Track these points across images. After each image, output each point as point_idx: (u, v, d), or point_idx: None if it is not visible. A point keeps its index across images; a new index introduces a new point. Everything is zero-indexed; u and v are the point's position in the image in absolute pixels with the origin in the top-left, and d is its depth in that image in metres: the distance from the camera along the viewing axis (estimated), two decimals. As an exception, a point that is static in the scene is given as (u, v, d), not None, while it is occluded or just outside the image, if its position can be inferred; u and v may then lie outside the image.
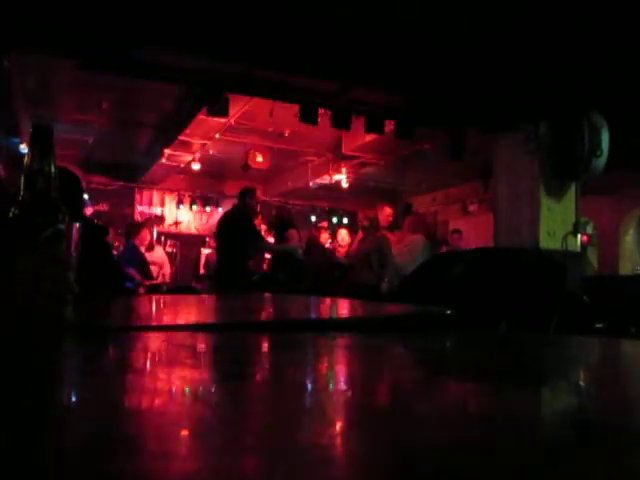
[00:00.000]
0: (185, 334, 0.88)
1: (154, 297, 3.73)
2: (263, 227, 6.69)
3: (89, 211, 8.10)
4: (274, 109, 6.60)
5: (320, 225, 10.26)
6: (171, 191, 11.37)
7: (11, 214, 0.84)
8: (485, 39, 4.26)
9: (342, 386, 0.56)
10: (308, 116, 5.33)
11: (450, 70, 4.65)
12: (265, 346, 0.85)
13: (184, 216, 11.44)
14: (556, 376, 0.66)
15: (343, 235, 8.40)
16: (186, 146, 8.52)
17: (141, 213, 10.94)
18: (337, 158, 9.00)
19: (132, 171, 10.58)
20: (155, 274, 6.87)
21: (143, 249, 6.73)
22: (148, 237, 7.05)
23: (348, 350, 0.82)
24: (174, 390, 0.49)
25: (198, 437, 0.35)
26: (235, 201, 5.64)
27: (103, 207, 10.21)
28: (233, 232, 5.11)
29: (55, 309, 0.81)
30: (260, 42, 4.26)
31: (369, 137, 7.11)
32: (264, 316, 1.43)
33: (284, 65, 4.58)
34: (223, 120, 6.72)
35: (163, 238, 10.36)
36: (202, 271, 9.66)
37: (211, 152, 8.90)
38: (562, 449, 0.33)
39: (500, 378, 0.61)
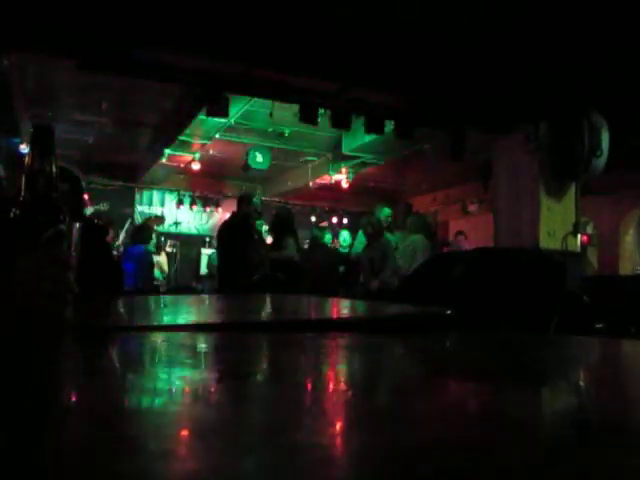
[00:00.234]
0: (185, 334, 0.88)
1: (154, 297, 3.73)
2: (265, 227, 6.66)
3: (89, 211, 8.10)
4: (274, 109, 6.61)
5: (321, 225, 10.26)
6: (171, 191, 11.37)
7: (12, 214, 0.84)
8: (485, 39, 4.26)
9: (342, 386, 0.56)
10: (308, 116, 5.33)
11: (450, 70, 4.65)
12: (265, 346, 0.85)
13: (184, 216, 11.44)
14: (556, 376, 0.66)
15: (345, 236, 8.41)
16: (186, 146, 8.52)
17: (141, 213, 10.94)
18: (337, 158, 9.01)
19: (132, 171, 10.58)
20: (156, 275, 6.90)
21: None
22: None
23: (348, 350, 0.82)
24: (174, 390, 0.49)
25: (198, 437, 0.35)
26: (235, 201, 5.64)
27: (103, 207, 10.21)
28: (233, 240, 5.14)
29: (55, 309, 0.81)
30: (260, 42, 4.26)
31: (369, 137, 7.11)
32: (264, 316, 1.43)
33: (284, 65, 4.58)
34: (223, 120, 6.72)
35: (163, 238, 10.37)
36: (205, 270, 9.66)
37: (211, 152, 8.90)
38: (562, 449, 0.33)
39: (500, 378, 0.61)
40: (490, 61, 4.52)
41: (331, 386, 0.56)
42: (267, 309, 1.64)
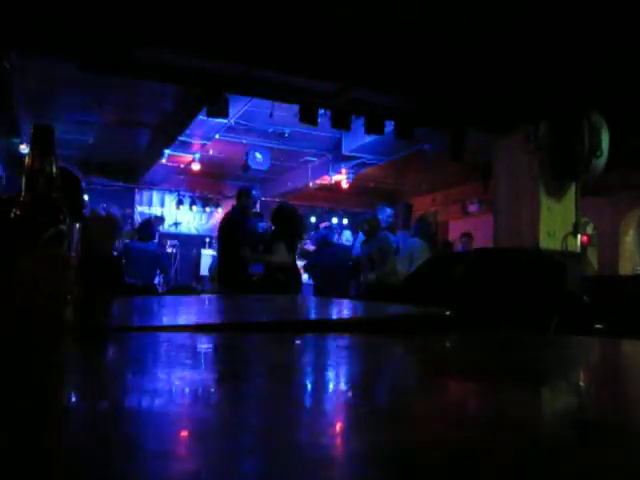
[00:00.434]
0: (185, 334, 0.88)
1: (154, 298, 3.73)
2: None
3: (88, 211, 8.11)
4: (274, 109, 6.61)
5: (324, 225, 10.26)
6: (171, 191, 11.37)
7: (12, 214, 0.84)
8: (485, 39, 4.26)
9: (342, 386, 0.56)
10: (308, 116, 5.33)
11: (450, 70, 4.65)
12: (265, 347, 0.85)
13: (184, 216, 11.44)
14: (556, 376, 0.66)
15: (347, 235, 8.42)
16: (186, 146, 8.52)
17: (141, 214, 10.94)
18: (337, 158, 9.01)
19: (132, 171, 10.58)
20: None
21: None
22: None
23: (348, 350, 0.82)
24: (174, 390, 0.49)
25: (198, 437, 0.35)
26: (234, 202, 5.64)
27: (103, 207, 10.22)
28: (231, 235, 5.12)
29: (55, 309, 0.81)
30: (260, 42, 4.26)
31: (369, 137, 7.11)
32: (264, 316, 1.43)
33: (284, 65, 4.58)
34: (223, 120, 6.73)
35: (163, 238, 10.37)
36: (207, 272, 9.64)
37: (211, 152, 8.90)
38: (562, 449, 0.33)
39: (500, 378, 0.61)
40: (490, 61, 4.52)
41: (331, 386, 0.56)
42: (267, 309, 1.64)
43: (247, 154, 8.58)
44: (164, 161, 8.99)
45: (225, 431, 0.36)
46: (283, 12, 4.00)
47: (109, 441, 0.32)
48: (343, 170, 9.36)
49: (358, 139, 7.60)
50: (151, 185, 11.08)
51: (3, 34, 3.91)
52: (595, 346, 1.05)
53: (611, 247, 9.43)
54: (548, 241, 5.37)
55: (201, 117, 6.63)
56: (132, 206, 11.06)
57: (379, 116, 5.55)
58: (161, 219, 10.64)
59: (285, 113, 6.69)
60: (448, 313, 1.14)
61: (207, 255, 10.28)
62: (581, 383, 0.65)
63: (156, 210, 11.19)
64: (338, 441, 0.35)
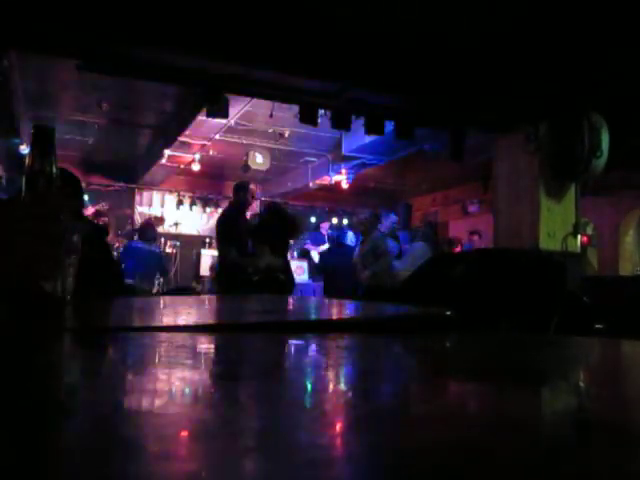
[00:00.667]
0: (184, 335, 0.88)
1: (154, 298, 3.73)
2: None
3: (89, 212, 8.11)
4: (274, 110, 6.61)
5: (324, 225, 10.25)
6: (171, 192, 11.38)
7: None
8: (485, 39, 4.26)
9: (341, 387, 0.56)
10: (308, 117, 5.33)
11: (450, 70, 4.65)
12: (264, 347, 0.85)
13: (184, 217, 11.44)
14: (556, 376, 0.66)
15: (351, 236, 8.45)
16: (186, 147, 8.53)
17: (141, 214, 10.95)
18: (337, 159, 9.01)
19: (132, 172, 10.59)
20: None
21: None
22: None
23: (348, 351, 0.82)
24: (173, 391, 0.49)
25: (198, 438, 0.35)
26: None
27: (103, 208, 10.22)
28: (228, 233, 5.08)
29: (55, 309, 0.81)
30: (260, 42, 4.26)
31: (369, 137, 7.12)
32: (263, 317, 1.43)
33: (284, 65, 4.58)
34: (223, 121, 6.73)
35: (163, 239, 10.37)
36: (207, 272, 9.63)
37: (211, 153, 8.91)
38: (562, 449, 0.33)
39: (500, 378, 0.60)
40: (490, 61, 4.52)
41: (330, 386, 0.56)
42: (266, 310, 1.64)
43: (247, 155, 8.58)
44: (164, 161, 9.00)
45: (225, 431, 0.36)
46: (283, 12, 4.00)
47: (109, 441, 0.32)
48: (343, 170, 9.37)
49: (358, 139, 7.61)
50: (151, 185, 11.09)
51: (3, 34, 3.91)
52: (595, 346, 1.05)
53: (611, 247, 9.43)
54: (548, 241, 5.37)
55: (201, 117, 6.64)
56: (132, 206, 11.07)
57: (379, 116, 5.56)
58: (161, 219, 10.65)
59: (285, 113, 6.70)
60: (448, 313, 1.14)
61: (207, 255, 10.28)
62: (581, 383, 0.65)
63: (156, 210, 11.20)
64: (336, 441, 0.35)
